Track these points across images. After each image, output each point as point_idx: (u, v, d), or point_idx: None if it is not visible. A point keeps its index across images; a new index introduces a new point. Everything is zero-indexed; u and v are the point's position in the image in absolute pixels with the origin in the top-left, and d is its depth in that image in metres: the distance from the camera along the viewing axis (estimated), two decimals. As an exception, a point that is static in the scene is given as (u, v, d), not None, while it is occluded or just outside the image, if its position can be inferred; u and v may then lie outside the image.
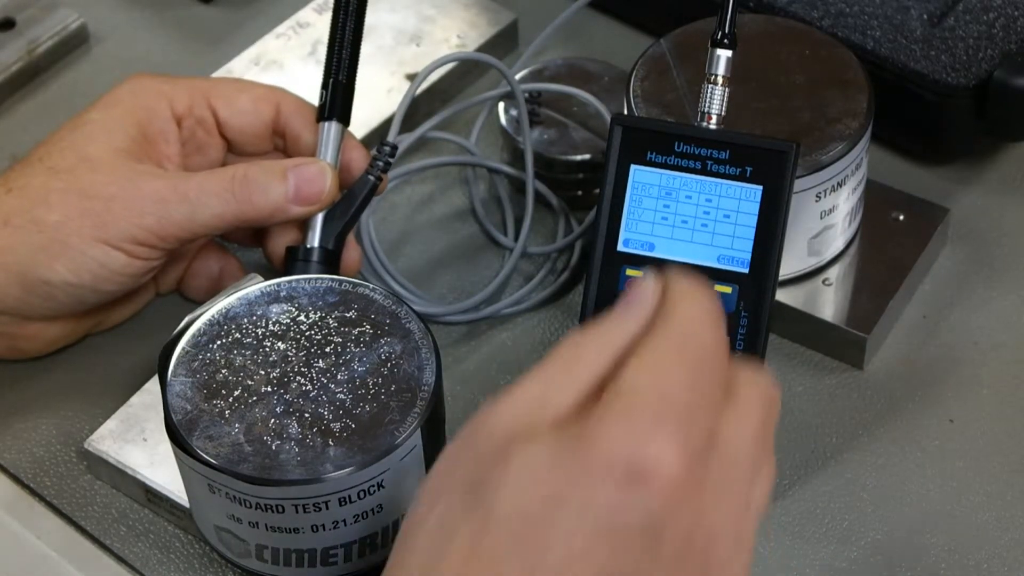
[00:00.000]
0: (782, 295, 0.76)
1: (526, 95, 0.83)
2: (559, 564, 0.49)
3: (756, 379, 0.54)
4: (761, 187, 0.65)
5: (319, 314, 0.67)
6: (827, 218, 0.75)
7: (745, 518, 0.53)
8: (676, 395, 0.51)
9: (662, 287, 0.54)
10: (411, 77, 0.88)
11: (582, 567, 0.49)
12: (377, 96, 0.87)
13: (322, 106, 0.75)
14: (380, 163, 0.75)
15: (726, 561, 0.52)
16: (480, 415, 0.53)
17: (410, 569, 0.51)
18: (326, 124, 0.75)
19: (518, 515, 0.50)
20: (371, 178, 0.75)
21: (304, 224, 0.74)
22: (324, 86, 0.75)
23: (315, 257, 0.73)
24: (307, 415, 0.64)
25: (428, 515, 0.52)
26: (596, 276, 0.65)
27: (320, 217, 0.74)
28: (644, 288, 0.54)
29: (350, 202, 0.74)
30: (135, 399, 0.73)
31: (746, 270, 0.65)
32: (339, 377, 0.65)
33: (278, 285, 0.68)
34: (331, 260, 0.73)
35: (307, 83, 0.83)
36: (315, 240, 0.73)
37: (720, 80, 0.66)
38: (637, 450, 0.50)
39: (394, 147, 0.75)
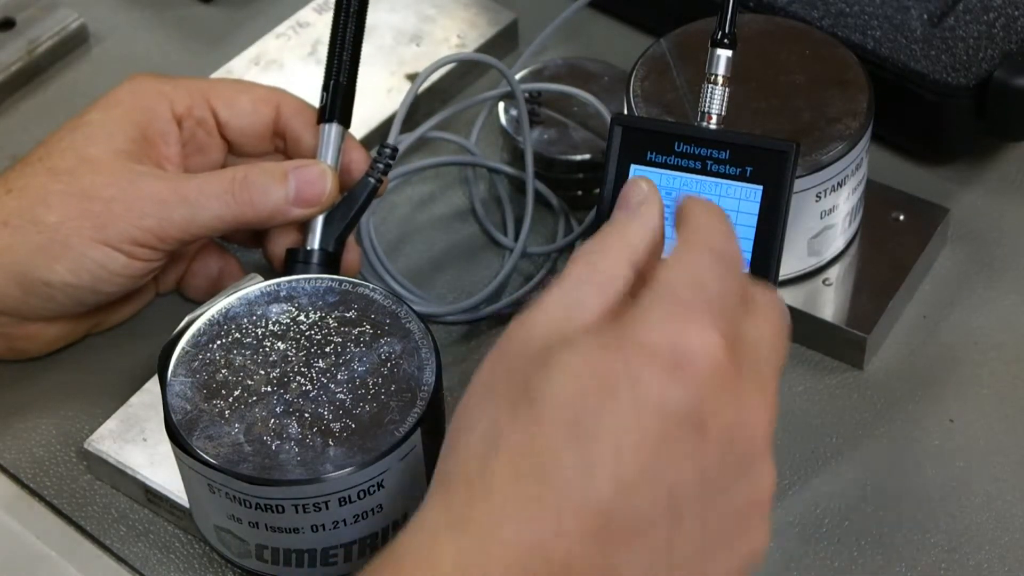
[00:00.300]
0: (782, 295, 0.76)
1: (526, 95, 0.83)
2: (612, 452, 0.50)
3: (768, 291, 0.57)
4: (761, 187, 0.65)
5: (319, 314, 0.67)
6: (827, 218, 0.75)
7: (770, 423, 0.54)
8: (711, 288, 0.53)
9: (653, 187, 0.57)
10: (411, 77, 0.88)
11: (635, 455, 0.50)
12: (377, 96, 0.87)
13: (323, 108, 0.75)
14: (380, 165, 0.75)
15: (759, 456, 0.53)
16: (510, 330, 0.54)
17: (465, 469, 0.53)
18: (327, 126, 0.75)
19: (567, 408, 0.51)
20: (371, 180, 0.75)
21: (304, 226, 0.74)
22: (325, 88, 0.75)
23: (315, 259, 0.73)
24: (307, 415, 0.64)
25: (475, 424, 0.53)
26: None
27: (320, 219, 0.74)
28: (641, 190, 0.57)
29: (350, 204, 0.74)
30: (135, 399, 0.73)
31: (746, 270, 0.65)
32: (339, 377, 0.65)
33: (278, 285, 0.68)
34: (331, 262, 0.73)
35: (307, 83, 0.83)
36: (315, 242, 0.73)
37: (720, 80, 0.66)
38: (680, 337, 0.51)
39: (395, 149, 0.75)
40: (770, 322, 0.56)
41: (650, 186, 0.58)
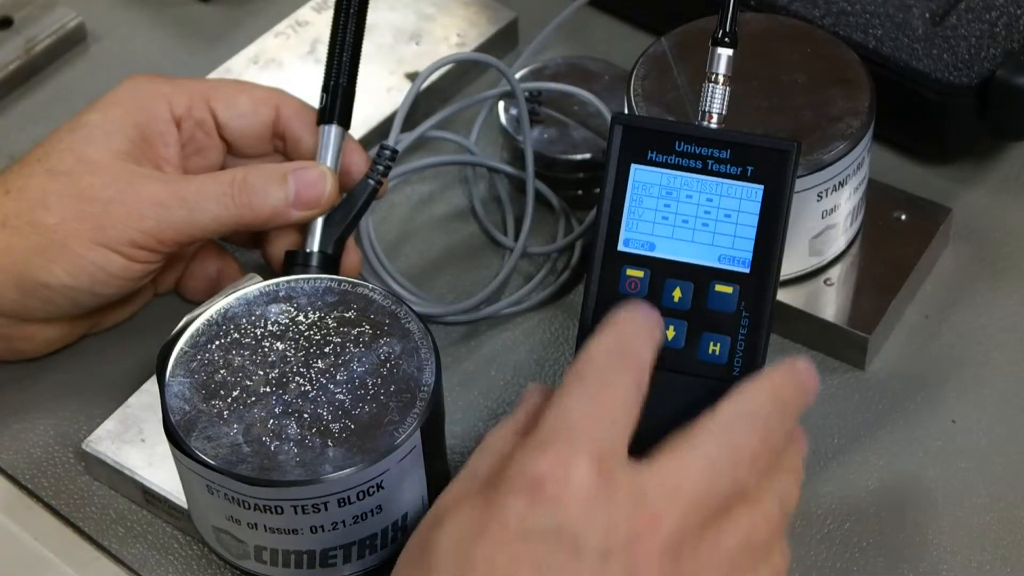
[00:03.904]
0: (783, 295, 0.76)
1: (526, 94, 0.83)
2: None
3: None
4: (762, 186, 0.64)
5: (318, 314, 0.67)
6: (829, 218, 0.75)
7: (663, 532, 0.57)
8: (575, 420, 0.57)
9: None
10: (411, 76, 0.88)
11: None
12: (377, 95, 0.87)
13: (323, 109, 0.75)
14: (380, 167, 0.74)
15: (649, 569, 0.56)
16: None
17: None
18: (326, 127, 0.75)
19: (449, 553, 0.56)
20: (371, 182, 0.74)
21: (304, 228, 0.74)
22: (325, 89, 0.75)
23: (314, 261, 0.73)
24: (306, 416, 0.64)
25: None
26: (596, 276, 0.65)
27: (320, 221, 0.73)
28: (533, 392, 0.62)
29: (350, 206, 0.74)
30: (133, 400, 0.73)
31: (747, 270, 0.64)
32: (338, 377, 0.65)
33: (277, 285, 0.68)
34: (331, 264, 0.73)
35: (306, 82, 0.83)
36: (315, 244, 0.73)
37: (721, 79, 0.66)
38: (538, 466, 0.56)
39: (394, 151, 0.75)
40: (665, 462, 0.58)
41: (543, 390, 0.62)
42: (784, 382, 0.60)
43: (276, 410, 0.64)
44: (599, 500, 0.56)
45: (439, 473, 0.68)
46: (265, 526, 0.64)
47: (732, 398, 0.59)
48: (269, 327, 0.66)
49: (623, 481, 0.56)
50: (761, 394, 0.60)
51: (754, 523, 0.59)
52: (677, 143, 0.65)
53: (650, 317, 0.61)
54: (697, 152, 0.65)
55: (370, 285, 0.68)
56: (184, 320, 0.67)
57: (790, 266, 0.76)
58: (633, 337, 0.60)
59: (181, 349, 0.66)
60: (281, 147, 0.77)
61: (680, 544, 0.56)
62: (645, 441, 0.60)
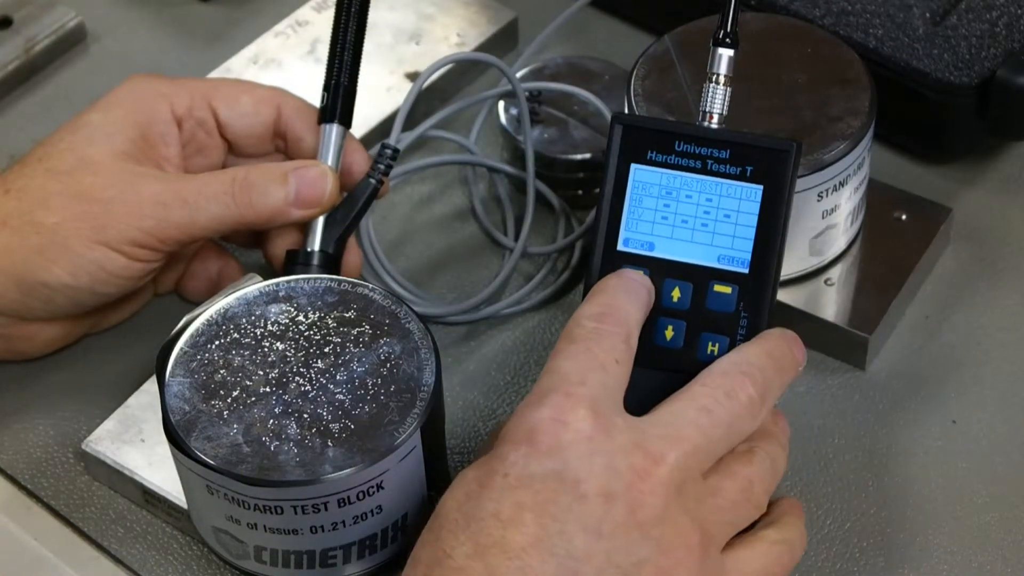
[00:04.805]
0: (783, 295, 0.76)
1: (526, 94, 0.83)
2: (496, 525, 0.57)
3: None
4: (762, 187, 0.64)
5: (318, 314, 0.67)
6: (829, 218, 0.75)
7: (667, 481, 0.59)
8: (568, 372, 0.60)
9: None
10: (411, 76, 0.88)
11: (517, 523, 0.57)
12: (376, 95, 0.87)
13: (323, 108, 0.75)
14: (381, 166, 0.74)
15: (659, 518, 0.58)
16: None
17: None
18: (327, 126, 0.75)
19: (456, 512, 0.58)
20: (372, 181, 0.74)
21: (304, 227, 0.74)
22: (326, 88, 0.75)
23: (315, 261, 0.73)
24: (306, 416, 0.63)
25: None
26: (596, 276, 0.65)
27: (320, 220, 0.73)
28: None
29: (351, 205, 0.74)
30: (133, 400, 0.73)
31: (746, 270, 0.64)
32: (338, 377, 0.65)
33: (277, 285, 0.68)
34: (331, 264, 0.73)
35: (306, 81, 0.83)
36: (315, 244, 0.73)
37: (722, 79, 0.66)
38: (534, 416, 0.58)
39: (395, 150, 0.75)
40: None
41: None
42: (777, 342, 0.63)
43: (276, 410, 0.64)
44: (597, 443, 0.58)
45: (439, 473, 0.68)
46: (265, 526, 0.64)
47: (728, 355, 0.62)
48: (269, 327, 0.66)
49: (621, 426, 0.58)
50: (756, 348, 0.62)
51: (750, 477, 0.61)
52: (677, 143, 0.65)
53: (636, 280, 0.63)
54: (697, 152, 0.65)
55: (370, 285, 0.68)
56: (184, 320, 0.67)
57: (790, 266, 0.76)
58: (620, 299, 0.62)
59: (181, 349, 0.66)
60: (282, 146, 0.77)
61: (682, 483, 0.58)
62: None
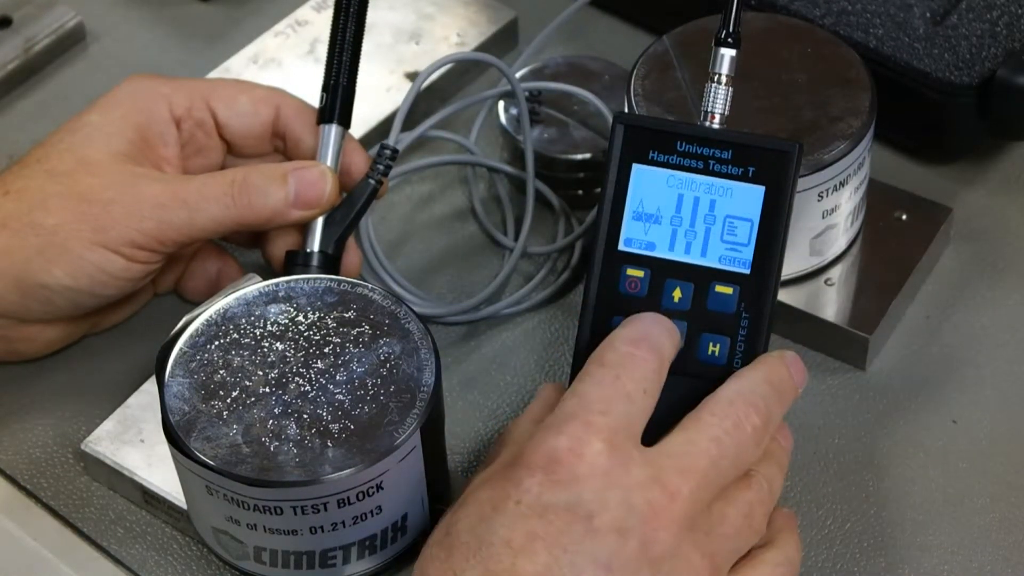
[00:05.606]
0: (784, 295, 0.76)
1: (526, 94, 0.83)
2: (507, 552, 0.57)
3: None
4: (763, 188, 0.64)
5: (318, 314, 0.67)
6: (829, 217, 0.75)
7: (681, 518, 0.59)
8: (592, 402, 0.60)
9: None
10: (411, 75, 0.88)
11: (528, 552, 0.57)
12: (376, 95, 0.87)
13: (323, 109, 0.75)
14: (381, 167, 0.74)
15: (671, 553, 0.58)
16: None
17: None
18: (327, 127, 0.75)
19: (471, 531, 0.58)
20: (371, 182, 0.74)
21: (304, 228, 0.74)
22: (325, 88, 0.75)
23: (315, 261, 0.73)
24: (306, 416, 0.63)
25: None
26: (596, 276, 0.65)
27: (320, 221, 0.73)
28: (547, 388, 0.67)
29: (350, 206, 0.74)
30: (132, 400, 0.73)
31: (747, 271, 0.64)
32: (338, 378, 0.64)
33: (276, 285, 0.68)
34: (331, 264, 0.73)
35: (306, 81, 0.83)
36: (315, 244, 0.73)
37: (724, 79, 0.66)
38: (554, 444, 0.58)
39: (395, 151, 0.75)
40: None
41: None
42: (776, 368, 0.63)
43: (276, 410, 0.64)
44: (614, 478, 0.58)
45: (439, 473, 0.67)
46: (265, 527, 0.64)
47: (731, 383, 0.62)
48: (269, 327, 0.66)
49: (637, 459, 0.59)
50: (758, 376, 0.63)
51: (751, 502, 0.61)
52: (679, 143, 0.65)
53: (668, 320, 0.64)
54: (699, 152, 0.65)
55: (370, 285, 0.68)
56: (184, 320, 0.67)
57: (791, 266, 0.76)
58: (656, 329, 0.63)
59: (180, 349, 0.66)
60: (281, 147, 0.77)
61: (694, 517, 0.59)
62: (645, 440, 0.60)
